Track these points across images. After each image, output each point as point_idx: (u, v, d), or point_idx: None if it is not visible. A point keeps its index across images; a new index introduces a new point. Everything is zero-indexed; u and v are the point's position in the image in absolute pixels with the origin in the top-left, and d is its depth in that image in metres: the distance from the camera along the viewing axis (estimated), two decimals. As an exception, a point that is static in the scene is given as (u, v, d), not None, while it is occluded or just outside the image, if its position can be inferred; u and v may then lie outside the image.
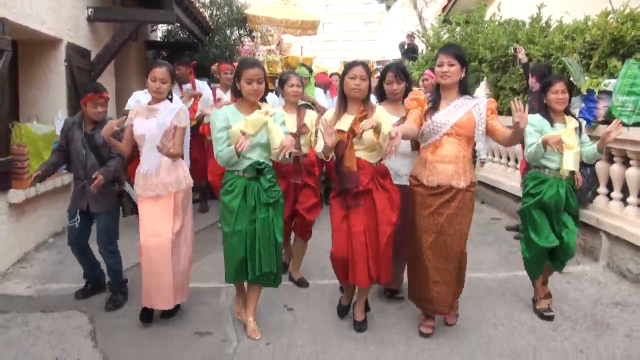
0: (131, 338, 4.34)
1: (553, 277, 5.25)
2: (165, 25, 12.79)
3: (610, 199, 6.23)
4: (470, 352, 4.18)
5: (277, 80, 6.65)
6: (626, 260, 5.71)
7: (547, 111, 4.82)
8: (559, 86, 4.73)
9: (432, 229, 4.30)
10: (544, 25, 8.72)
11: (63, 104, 7.17)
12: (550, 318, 4.70)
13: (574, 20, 7.71)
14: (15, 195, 5.68)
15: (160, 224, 4.38)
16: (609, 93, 6.12)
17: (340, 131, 4.25)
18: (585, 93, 6.47)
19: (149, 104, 4.52)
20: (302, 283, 5.52)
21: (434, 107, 4.35)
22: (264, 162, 4.22)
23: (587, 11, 7.52)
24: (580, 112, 6.58)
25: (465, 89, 4.41)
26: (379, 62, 13.56)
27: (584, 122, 4.79)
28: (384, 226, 4.28)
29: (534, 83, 7.09)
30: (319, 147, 4.31)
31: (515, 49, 8.05)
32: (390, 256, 4.39)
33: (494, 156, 9.54)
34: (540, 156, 4.68)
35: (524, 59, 7.80)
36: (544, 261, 4.82)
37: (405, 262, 4.76)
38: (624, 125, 5.45)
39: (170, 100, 4.55)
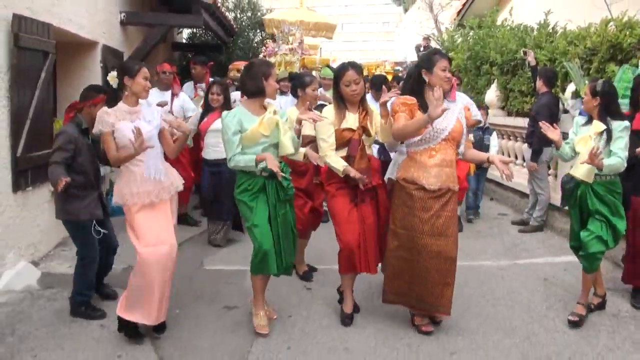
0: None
1: (551, 266, 5.77)
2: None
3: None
4: (470, 326, 4.58)
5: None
6: (619, 252, 6.12)
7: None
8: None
9: (433, 232, 4.31)
10: (550, 31, 9.10)
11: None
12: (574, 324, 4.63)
13: (577, 27, 8.12)
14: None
15: (166, 231, 4.19)
16: (606, 96, 6.54)
17: (348, 129, 4.45)
18: (583, 96, 6.90)
19: (129, 105, 4.21)
20: (306, 277, 5.64)
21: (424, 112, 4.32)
22: (281, 162, 4.29)
23: (589, 19, 7.92)
24: (580, 113, 7.01)
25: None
26: (397, 64, 13.72)
27: (619, 127, 4.54)
28: (384, 219, 4.56)
29: (540, 85, 7.54)
30: (338, 166, 4.39)
31: (524, 52, 8.48)
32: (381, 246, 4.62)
33: (502, 154, 9.93)
34: (566, 158, 4.81)
35: (533, 62, 8.21)
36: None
37: None
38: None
39: None
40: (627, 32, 6.90)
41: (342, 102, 4.51)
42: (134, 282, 4.14)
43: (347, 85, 4.41)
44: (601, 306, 4.97)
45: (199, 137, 6.77)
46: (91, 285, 4.73)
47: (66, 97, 7.31)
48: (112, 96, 4.32)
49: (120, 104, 4.19)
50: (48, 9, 6.13)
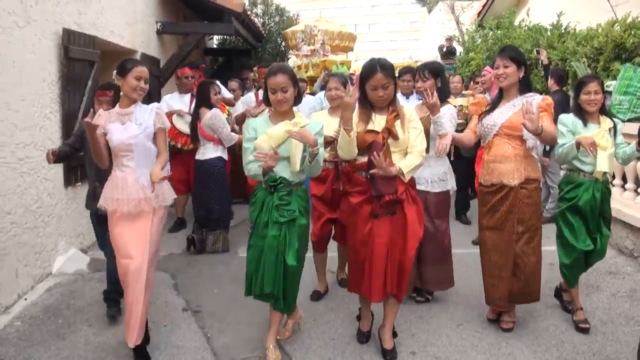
0: (205, 290, 5.39)
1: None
2: (220, 33, 13.85)
3: (612, 185, 7.01)
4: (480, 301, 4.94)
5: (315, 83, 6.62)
6: (623, 238, 6.52)
7: (580, 111, 4.59)
8: (592, 86, 4.49)
9: (489, 226, 4.41)
10: (562, 31, 9.51)
11: (138, 106, 8.29)
12: (586, 330, 4.55)
13: (588, 27, 8.53)
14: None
15: (137, 246, 3.90)
16: (610, 93, 6.91)
17: (371, 132, 3.88)
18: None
19: (120, 106, 4.02)
20: (343, 282, 5.33)
21: (492, 109, 4.42)
22: (280, 178, 3.83)
23: (598, 20, 8.33)
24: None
25: (525, 88, 4.38)
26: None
27: (620, 123, 4.63)
28: (412, 241, 3.95)
29: (552, 84, 7.96)
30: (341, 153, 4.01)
31: (538, 52, 8.89)
32: (410, 272, 4.12)
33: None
34: (572, 157, 4.49)
35: (545, 61, 8.62)
36: (582, 265, 4.72)
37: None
38: (621, 120, 6.29)
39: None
40: (632, 32, 7.29)
41: (367, 104, 3.98)
42: None
43: (374, 89, 3.87)
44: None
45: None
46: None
47: None
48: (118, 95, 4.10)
49: (117, 105, 4.04)
50: (93, 22, 6.73)
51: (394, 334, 4.26)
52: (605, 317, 4.78)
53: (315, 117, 4.80)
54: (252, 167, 3.82)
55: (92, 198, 4.59)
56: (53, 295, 5.24)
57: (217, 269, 5.97)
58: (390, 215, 3.89)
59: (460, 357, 4.14)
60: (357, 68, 9.70)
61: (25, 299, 5.11)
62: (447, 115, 4.59)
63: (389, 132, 3.86)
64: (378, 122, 3.91)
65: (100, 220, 4.52)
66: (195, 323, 4.70)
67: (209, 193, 6.47)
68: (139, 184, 3.89)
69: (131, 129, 3.91)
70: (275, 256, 3.83)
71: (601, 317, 4.76)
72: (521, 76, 4.31)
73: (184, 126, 7.23)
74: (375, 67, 3.84)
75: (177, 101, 7.50)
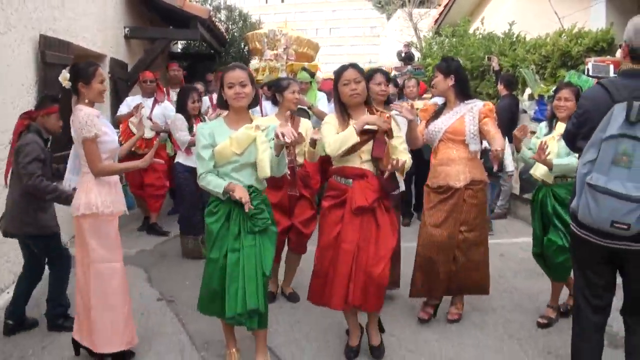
0: (177, 283, 5.72)
1: (510, 245, 6.83)
2: (184, 38, 14.03)
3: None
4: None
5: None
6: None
7: (554, 116, 4.74)
8: (563, 93, 4.61)
9: (432, 223, 4.55)
10: (514, 40, 10.05)
11: (107, 109, 8.45)
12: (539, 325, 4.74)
13: (538, 36, 9.07)
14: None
15: (119, 248, 4.00)
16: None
17: (367, 132, 3.91)
18: (537, 98, 7.87)
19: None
20: (293, 297, 5.24)
21: (436, 116, 4.63)
22: (252, 186, 3.68)
23: (546, 29, 8.88)
24: (534, 113, 7.98)
25: (462, 95, 4.57)
26: (397, 69, 13.64)
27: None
28: (384, 250, 3.93)
29: (502, 89, 8.49)
30: (312, 157, 4.25)
31: (489, 58, 9.41)
32: (384, 285, 3.97)
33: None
34: (529, 163, 4.74)
35: (497, 67, 9.15)
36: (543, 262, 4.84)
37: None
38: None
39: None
40: (577, 42, 7.83)
41: (343, 108, 4.07)
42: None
43: (346, 84, 3.95)
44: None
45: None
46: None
47: None
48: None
49: (88, 109, 3.87)
50: (66, 28, 6.99)
51: (381, 329, 4.29)
52: (546, 296, 5.07)
53: (271, 121, 4.52)
54: (211, 180, 3.63)
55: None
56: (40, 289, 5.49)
57: (187, 263, 6.36)
58: (361, 220, 3.91)
59: (416, 338, 4.53)
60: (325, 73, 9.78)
61: (8, 293, 5.36)
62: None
63: (385, 131, 3.94)
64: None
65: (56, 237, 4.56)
66: (170, 311, 5.05)
67: (178, 197, 6.68)
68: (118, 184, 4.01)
69: (109, 132, 4.00)
70: (255, 267, 3.64)
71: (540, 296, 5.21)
72: (450, 84, 4.54)
73: (148, 132, 6.99)
74: (346, 65, 4.05)
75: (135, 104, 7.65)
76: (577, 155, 4.06)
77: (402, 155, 3.96)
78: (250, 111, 3.90)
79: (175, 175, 6.63)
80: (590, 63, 6.53)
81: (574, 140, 3.37)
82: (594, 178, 2.92)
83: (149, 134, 7.07)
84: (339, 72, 4.04)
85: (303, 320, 4.84)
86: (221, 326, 4.04)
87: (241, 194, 3.50)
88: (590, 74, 6.31)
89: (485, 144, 6.68)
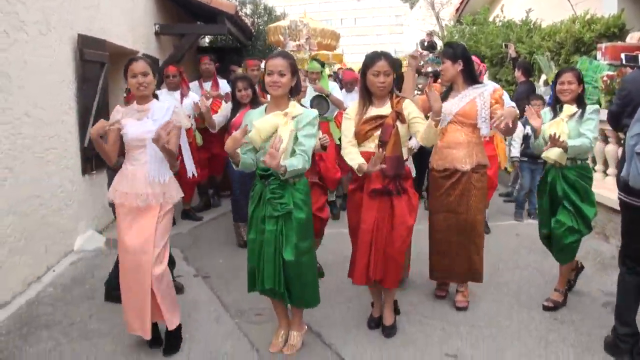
0: (211, 261, 6.15)
1: (525, 226, 7.21)
2: (212, 32, 14.41)
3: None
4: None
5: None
6: (606, 223, 7.21)
7: (557, 101, 4.77)
8: (566, 77, 4.64)
9: (443, 208, 4.66)
10: (530, 27, 10.30)
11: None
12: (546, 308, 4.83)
13: (553, 22, 9.33)
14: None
15: (145, 240, 3.95)
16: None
17: (377, 117, 4.10)
18: (550, 83, 8.12)
19: (138, 103, 4.08)
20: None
21: (443, 99, 4.43)
22: (270, 170, 3.70)
23: (561, 16, 9.14)
24: (549, 98, 8.24)
25: (470, 79, 4.62)
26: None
27: (590, 110, 4.59)
28: (400, 231, 4.12)
29: (519, 75, 8.77)
30: (353, 164, 4.07)
31: (506, 46, 9.69)
32: (402, 261, 4.25)
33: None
34: (537, 146, 4.75)
35: (514, 54, 9.43)
36: (549, 245, 4.96)
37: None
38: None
39: (157, 99, 4.21)
40: (590, 28, 8.09)
41: (367, 95, 4.19)
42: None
43: (376, 75, 4.04)
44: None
45: (225, 132, 6.81)
46: None
47: (115, 100, 8.46)
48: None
49: (134, 103, 4.13)
50: (102, 27, 7.43)
51: (396, 311, 4.49)
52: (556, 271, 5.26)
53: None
54: (244, 161, 3.76)
55: None
56: (78, 268, 5.98)
57: (220, 245, 6.78)
58: (379, 201, 4.09)
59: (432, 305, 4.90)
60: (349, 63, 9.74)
61: (54, 271, 5.83)
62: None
63: (398, 115, 4.06)
64: (374, 112, 4.13)
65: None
66: (205, 285, 5.48)
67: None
68: (147, 179, 3.96)
69: (147, 124, 3.97)
70: (273, 251, 3.78)
71: (555, 273, 5.33)
72: (459, 69, 4.57)
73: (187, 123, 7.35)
74: (379, 54, 4.09)
75: (167, 99, 7.64)
76: (590, 136, 4.44)
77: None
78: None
79: (227, 163, 6.90)
80: (623, 54, 6.52)
81: (619, 118, 3.89)
82: None
83: (188, 124, 7.38)
84: (372, 61, 4.07)
85: (330, 295, 5.14)
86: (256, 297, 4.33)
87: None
88: (624, 62, 6.43)
89: (528, 129, 7.00)
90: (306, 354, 4.17)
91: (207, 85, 8.23)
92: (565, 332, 4.43)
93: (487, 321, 4.65)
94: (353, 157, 4.09)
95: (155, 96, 4.17)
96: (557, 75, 4.78)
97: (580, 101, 4.65)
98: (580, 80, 4.66)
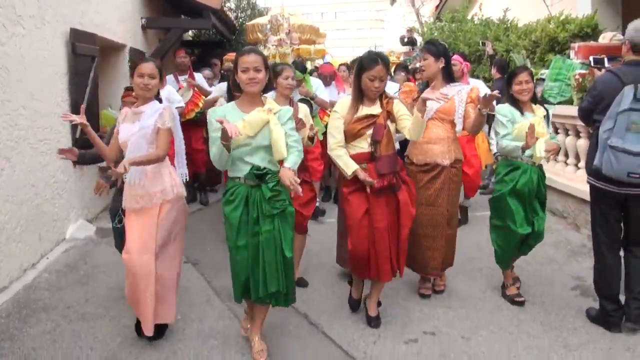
0: (200, 249, 6.37)
1: None
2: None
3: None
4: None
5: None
6: (554, 201, 7.57)
7: (514, 101, 4.77)
8: (523, 76, 4.68)
9: (422, 201, 4.67)
10: (507, 25, 10.61)
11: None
12: (521, 303, 4.87)
13: (529, 22, 9.64)
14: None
15: (146, 241, 3.99)
16: (544, 80, 7.95)
17: (368, 116, 4.17)
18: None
19: (136, 106, 4.12)
20: (301, 283, 5.22)
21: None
22: (265, 168, 3.69)
23: (537, 16, 9.45)
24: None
25: (448, 78, 4.72)
26: (406, 54, 13.63)
27: (552, 109, 4.85)
28: (405, 220, 4.26)
29: (495, 73, 9.05)
30: (348, 171, 4.13)
31: (483, 43, 9.97)
32: (407, 248, 4.42)
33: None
34: (515, 155, 4.72)
35: (491, 52, 9.71)
36: (517, 249, 4.95)
37: None
38: (552, 104, 7.36)
39: (160, 101, 4.21)
40: (564, 27, 8.39)
41: (360, 95, 4.24)
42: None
43: (372, 80, 4.10)
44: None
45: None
46: None
47: (104, 92, 8.69)
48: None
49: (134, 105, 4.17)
50: (92, 20, 7.61)
51: (379, 304, 4.62)
52: (530, 259, 5.62)
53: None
54: (215, 151, 3.65)
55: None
56: (70, 255, 6.20)
57: (207, 233, 7.05)
58: (385, 197, 4.18)
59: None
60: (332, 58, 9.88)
61: (47, 258, 6.04)
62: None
63: (388, 114, 4.15)
64: (365, 111, 4.19)
65: None
66: (196, 271, 5.74)
67: None
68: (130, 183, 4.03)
69: (133, 129, 4.00)
70: (274, 251, 3.72)
71: (526, 259, 5.59)
72: (441, 67, 4.66)
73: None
74: (377, 59, 4.10)
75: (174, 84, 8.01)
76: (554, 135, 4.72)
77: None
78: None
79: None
80: (592, 57, 6.75)
81: (590, 115, 4.38)
82: (613, 141, 4.00)
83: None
84: (369, 65, 4.10)
85: (315, 280, 5.46)
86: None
87: (230, 128, 3.43)
88: (592, 64, 6.72)
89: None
90: (295, 334, 4.45)
91: (183, 79, 8.27)
92: (536, 311, 4.77)
93: (462, 303, 4.97)
94: (346, 162, 4.15)
95: (158, 98, 4.21)
96: (513, 76, 4.80)
97: (534, 99, 4.89)
98: (532, 78, 4.83)
